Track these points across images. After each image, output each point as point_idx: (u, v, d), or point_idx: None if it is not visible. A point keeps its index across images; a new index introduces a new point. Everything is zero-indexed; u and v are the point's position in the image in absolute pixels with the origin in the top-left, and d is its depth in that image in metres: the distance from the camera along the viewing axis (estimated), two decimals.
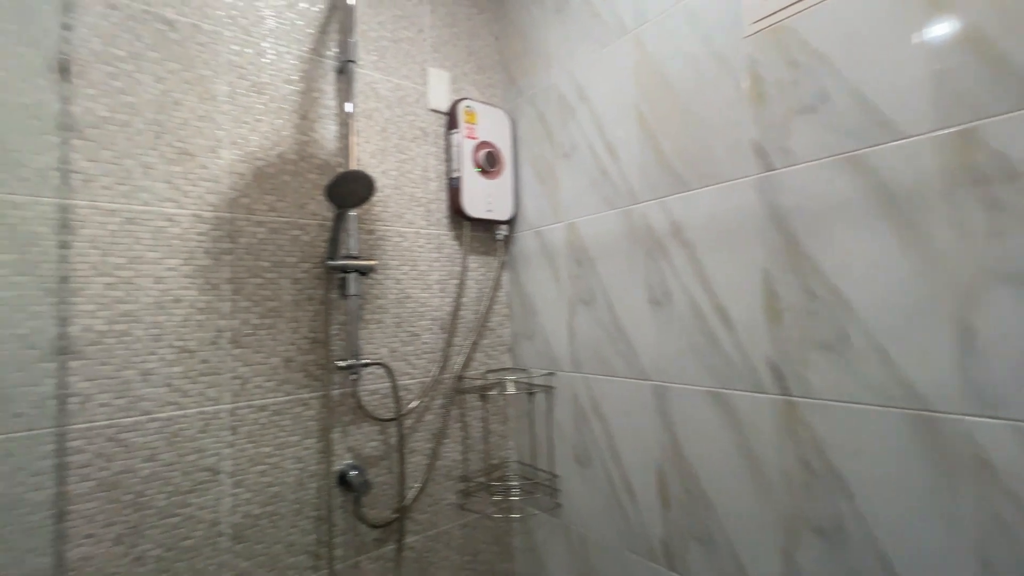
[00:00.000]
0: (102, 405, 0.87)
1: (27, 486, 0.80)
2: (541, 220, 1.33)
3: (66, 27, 0.88)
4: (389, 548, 1.17)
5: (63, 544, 0.82)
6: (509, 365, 1.42)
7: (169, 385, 0.93)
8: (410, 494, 1.20)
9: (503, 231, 1.38)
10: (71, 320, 0.85)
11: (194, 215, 0.98)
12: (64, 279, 0.85)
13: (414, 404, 1.22)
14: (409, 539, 1.19)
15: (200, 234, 0.98)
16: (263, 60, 1.08)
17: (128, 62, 0.93)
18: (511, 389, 1.30)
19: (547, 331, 1.31)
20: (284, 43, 1.11)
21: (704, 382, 0.95)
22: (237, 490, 0.98)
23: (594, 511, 1.17)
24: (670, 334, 1.01)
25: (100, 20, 0.90)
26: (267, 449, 1.02)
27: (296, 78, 1.12)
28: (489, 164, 1.33)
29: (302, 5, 1.14)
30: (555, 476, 1.25)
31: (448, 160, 1.34)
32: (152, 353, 0.92)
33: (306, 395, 1.08)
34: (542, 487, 1.27)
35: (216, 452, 0.96)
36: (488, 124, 1.36)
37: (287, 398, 1.05)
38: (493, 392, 1.34)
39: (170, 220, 0.95)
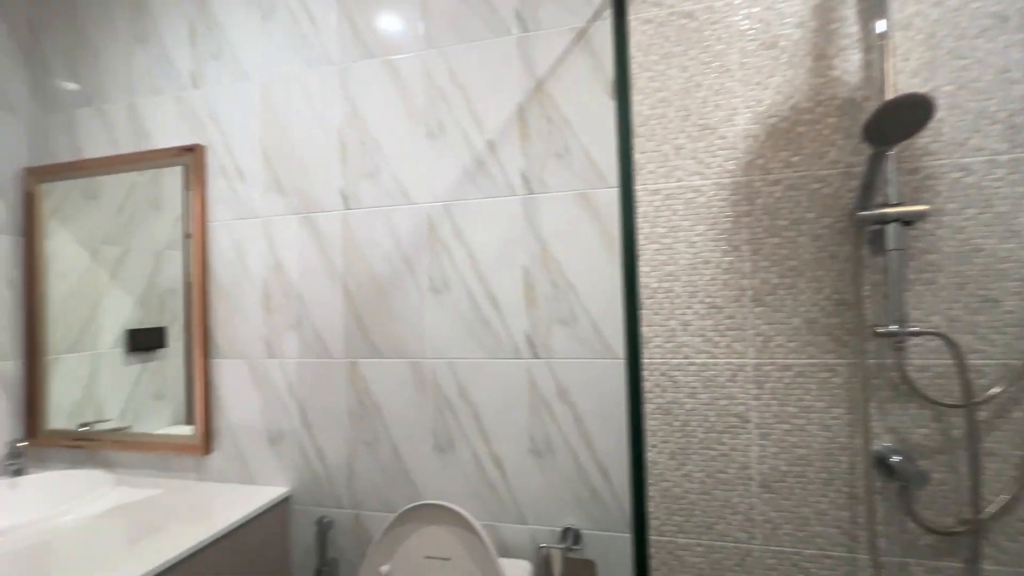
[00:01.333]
0: (656, 346, 1.09)
1: (615, 397, 1.11)
2: None
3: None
4: (952, 565, 0.93)
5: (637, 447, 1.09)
6: None
7: (703, 336, 1.06)
8: (989, 508, 0.91)
9: None
10: (636, 279, 1.11)
11: (715, 183, 1.07)
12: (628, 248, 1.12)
13: (994, 391, 0.91)
14: (987, 565, 0.91)
15: (721, 200, 1.06)
16: (771, 13, 1.04)
17: (660, 63, 1.10)
18: None
19: None
20: None
21: None
22: (763, 442, 1.02)
23: None
24: None
25: (639, 36, 1.11)
26: (792, 409, 1.01)
27: (808, 17, 1.03)
28: None
29: None
30: None
31: None
32: (689, 307, 1.07)
33: (832, 360, 0.99)
34: None
35: (743, 402, 1.04)
36: None
37: (811, 361, 1.00)
38: None
39: (697, 191, 1.08)
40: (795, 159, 1.03)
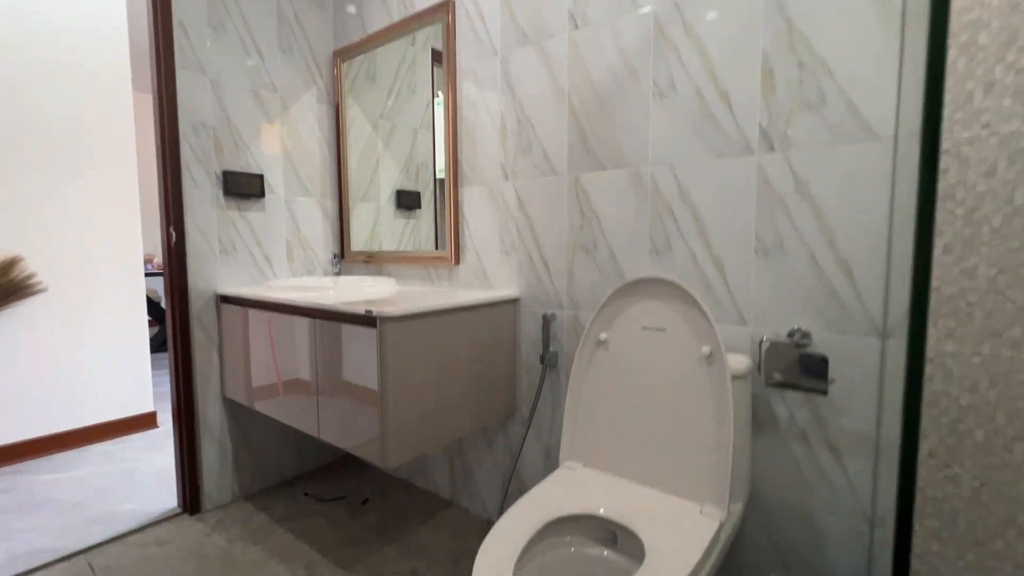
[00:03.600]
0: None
1: (872, 184, 0.96)
2: None
3: None
4: None
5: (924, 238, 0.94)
6: None
7: (1016, 96, 0.83)
8: None
9: None
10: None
11: None
12: (906, 9, 0.91)
13: None
14: None
15: None
16: None
17: None
18: None
19: None
20: None
21: None
22: None
23: None
24: None
25: None
26: None
27: None
28: None
29: None
30: None
31: None
32: (1000, 60, 0.84)
33: None
34: None
35: None
36: None
37: None
38: None
39: None
40: None
